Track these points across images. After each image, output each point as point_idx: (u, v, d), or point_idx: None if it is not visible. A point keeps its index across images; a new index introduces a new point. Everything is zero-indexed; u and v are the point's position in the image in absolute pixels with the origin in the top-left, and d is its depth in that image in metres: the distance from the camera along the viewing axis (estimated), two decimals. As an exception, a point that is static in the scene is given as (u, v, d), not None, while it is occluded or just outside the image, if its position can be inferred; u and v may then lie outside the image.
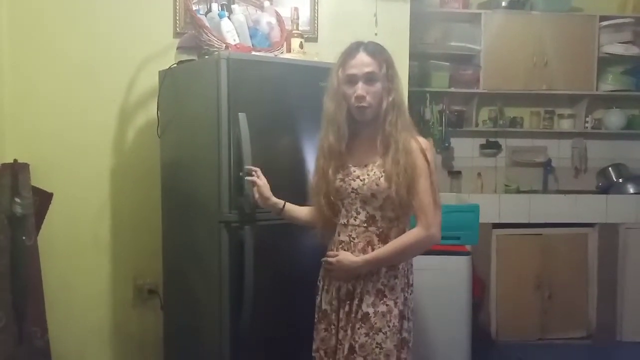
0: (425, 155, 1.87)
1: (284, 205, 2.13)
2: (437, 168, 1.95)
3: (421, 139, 1.92)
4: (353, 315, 1.91)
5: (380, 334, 1.88)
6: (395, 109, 1.90)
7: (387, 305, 1.90)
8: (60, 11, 2.83)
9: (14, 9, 2.78)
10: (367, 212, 1.93)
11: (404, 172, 1.84)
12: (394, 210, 1.90)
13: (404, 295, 1.94)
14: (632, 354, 3.93)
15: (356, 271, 1.91)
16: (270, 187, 2.13)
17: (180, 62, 2.57)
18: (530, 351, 3.91)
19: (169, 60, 2.63)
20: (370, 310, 1.89)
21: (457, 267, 3.00)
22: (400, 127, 1.88)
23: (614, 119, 4.36)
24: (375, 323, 1.88)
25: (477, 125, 4.33)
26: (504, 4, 4.14)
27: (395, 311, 1.90)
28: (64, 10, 2.84)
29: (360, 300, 1.91)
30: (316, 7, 3.04)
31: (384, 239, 1.91)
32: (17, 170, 2.66)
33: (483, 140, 4.41)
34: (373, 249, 1.91)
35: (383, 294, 1.90)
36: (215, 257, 2.26)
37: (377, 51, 1.92)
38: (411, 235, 1.89)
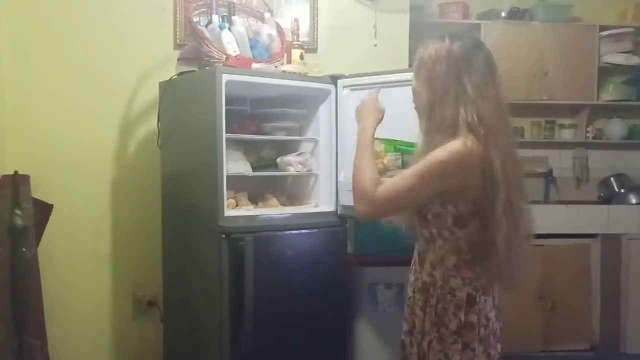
0: (439, 150, 1.52)
1: None
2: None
3: (453, 141, 1.54)
4: None
5: None
6: (414, 103, 1.69)
7: None
8: (60, 23, 2.85)
9: (15, 21, 2.80)
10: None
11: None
12: (427, 228, 1.63)
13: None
14: (636, 366, 3.90)
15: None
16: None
17: (181, 73, 2.58)
18: (533, 363, 3.88)
19: (170, 71, 2.63)
20: None
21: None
22: (428, 128, 1.62)
23: (615, 128, 4.35)
24: None
25: (477, 135, 4.32)
26: (503, 14, 4.16)
27: None
28: (64, 23, 2.85)
29: None
30: (316, 19, 3.06)
31: (421, 262, 1.68)
32: (17, 182, 2.66)
33: (484, 151, 4.39)
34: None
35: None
36: (216, 268, 2.25)
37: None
38: (371, 182, 1.57)
